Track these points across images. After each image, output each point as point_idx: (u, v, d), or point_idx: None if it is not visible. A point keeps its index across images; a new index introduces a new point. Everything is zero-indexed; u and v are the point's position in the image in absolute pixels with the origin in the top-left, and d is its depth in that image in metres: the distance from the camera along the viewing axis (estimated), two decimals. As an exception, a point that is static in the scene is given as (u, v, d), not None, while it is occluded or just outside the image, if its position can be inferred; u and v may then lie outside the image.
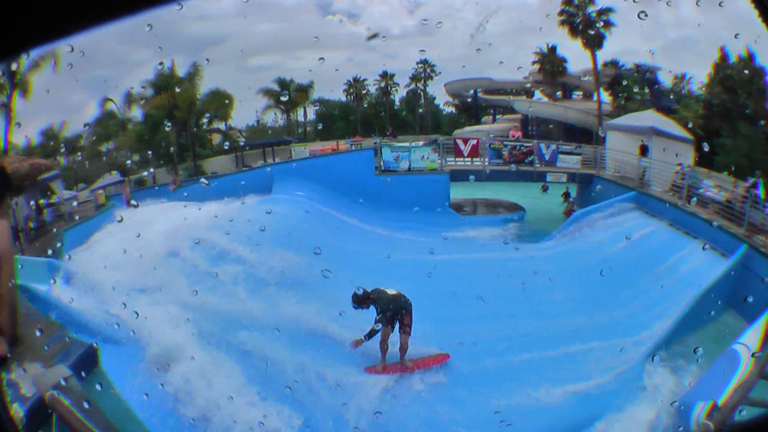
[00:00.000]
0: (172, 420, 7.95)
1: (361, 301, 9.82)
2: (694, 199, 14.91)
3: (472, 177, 20.79)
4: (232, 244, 13.83)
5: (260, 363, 9.78)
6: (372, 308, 9.88)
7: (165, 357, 9.22)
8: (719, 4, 13.64)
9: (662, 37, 24.31)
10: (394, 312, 9.78)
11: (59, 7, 1.24)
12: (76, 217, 18.32)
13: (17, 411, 3.25)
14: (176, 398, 8.41)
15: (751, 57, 20.01)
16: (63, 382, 3.00)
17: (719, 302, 10.48)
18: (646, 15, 16.27)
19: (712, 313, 10.20)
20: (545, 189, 22.28)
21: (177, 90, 24.26)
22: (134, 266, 11.85)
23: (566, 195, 21.14)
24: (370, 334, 9.81)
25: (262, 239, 13.88)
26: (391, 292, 9.93)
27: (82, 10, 1.27)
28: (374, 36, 29.25)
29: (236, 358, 9.82)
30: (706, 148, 18.29)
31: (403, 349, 10.06)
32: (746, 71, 19.84)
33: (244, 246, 14.01)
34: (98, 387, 7.02)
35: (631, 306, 11.50)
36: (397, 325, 9.90)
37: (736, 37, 16.14)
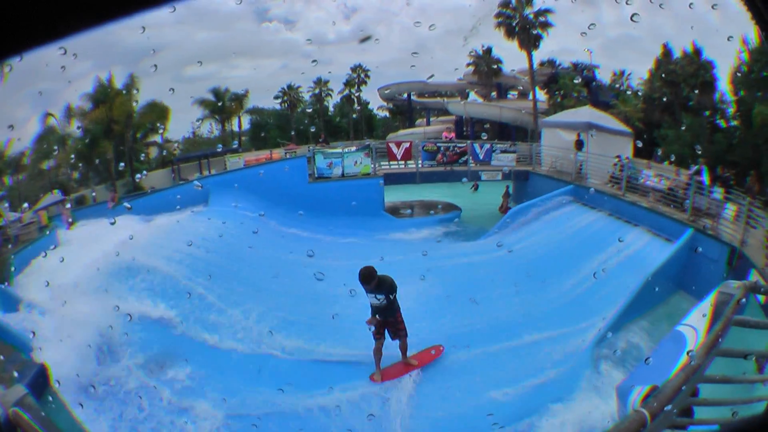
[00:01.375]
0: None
1: (367, 277, 8.42)
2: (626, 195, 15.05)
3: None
4: (153, 260, 13.24)
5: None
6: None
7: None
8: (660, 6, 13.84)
9: (602, 36, 25.13)
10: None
11: (52, 10, 1.21)
12: (22, 240, 17.46)
13: None
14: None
15: (697, 52, 21.04)
16: (21, 399, 3.20)
17: (668, 285, 10.45)
18: (638, 16, 16.77)
19: (659, 296, 10.07)
20: (476, 188, 22.29)
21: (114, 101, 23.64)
22: (71, 286, 11.36)
23: (507, 194, 20.96)
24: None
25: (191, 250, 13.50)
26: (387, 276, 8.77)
27: (75, 13, 1.24)
28: (367, 38, 29.50)
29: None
30: (639, 144, 19.06)
31: (404, 348, 9.24)
32: (691, 65, 20.75)
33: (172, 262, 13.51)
34: (51, 403, 7.48)
35: (573, 294, 11.23)
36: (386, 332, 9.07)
37: (729, 39, 16.88)
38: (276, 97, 31.08)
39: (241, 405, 8.43)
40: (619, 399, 6.08)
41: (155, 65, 25.80)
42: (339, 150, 22.00)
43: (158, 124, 26.16)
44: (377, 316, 8.75)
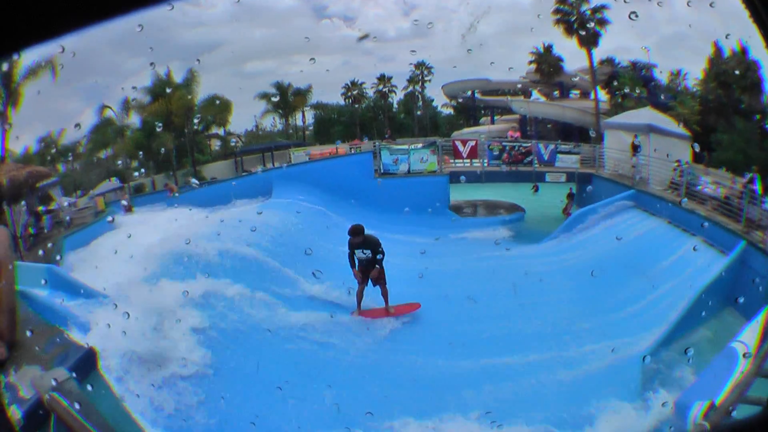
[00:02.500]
0: (169, 421, 8.07)
1: (356, 232, 11.37)
2: (685, 200, 14.91)
3: (463, 177, 20.79)
4: (226, 245, 13.91)
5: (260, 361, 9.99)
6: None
7: (158, 358, 9.35)
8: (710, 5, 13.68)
9: (657, 34, 24.26)
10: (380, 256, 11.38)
11: (50, 8, 1.25)
12: (75, 224, 18.41)
13: (15, 413, 3.31)
14: (171, 398, 8.54)
15: (744, 51, 20.06)
16: (62, 385, 3.03)
17: (718, 300, 10.47)
18: (636, 15, 16.30)
19: (708, 312, 10.19)
20: (536, 189, 22.18)
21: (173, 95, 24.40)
22: (129, 269, 11.91)
23: (571, 195, 20.79)
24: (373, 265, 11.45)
25: (258, 240, 14.40)
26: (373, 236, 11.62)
27: (73, 11, 1.28)
28: (365, 37, 29.35)
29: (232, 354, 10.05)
30: (697, 148, 18.37)
31: (385, 295, 11.73)
32: (740, 65, 19.83)
33: (240, 246, 14.19)
34: (94, 389, 7.09)
35: (628, 307, 11.51)
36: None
37: (726, 37, 16.30)
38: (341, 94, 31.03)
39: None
40: (677, 413, 6.31)
41: (198, 59, 26.12)
42: (405, 146, 22.19)
43: (219, 117, 26.66)
44: (364, 267, 11.42)
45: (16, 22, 1.25)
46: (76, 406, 2.93)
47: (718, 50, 21.04)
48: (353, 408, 8.58)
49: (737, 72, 20.02)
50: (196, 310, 10.98)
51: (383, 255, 11.32)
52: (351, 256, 11.46)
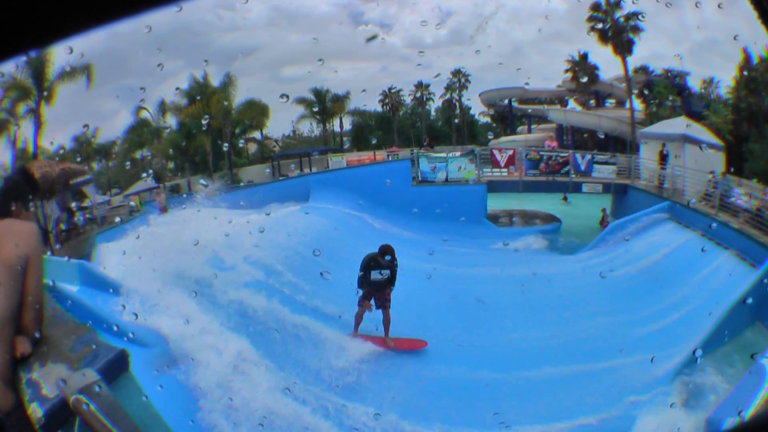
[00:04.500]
0: (201, 424, 7.97)
1: (388, 252, 10.53)
2: (693, 200, 15.25)
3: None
4: (258, 250, 14.02)
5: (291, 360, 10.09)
6: None
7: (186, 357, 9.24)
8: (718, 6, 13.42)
9: (688, 40, 24.62)
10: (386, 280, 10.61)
11: (58, 8, 1.26)
12: (109, 221, 18.63)
13: (35, 410, 3.26)
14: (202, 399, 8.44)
15: None
16: (89, 387, 2.92)
17: (747, 315, 10.54)
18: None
19: (737, 327, 10.20)
20: (566, 199, 22.53)
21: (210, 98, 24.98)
22: (161, 269, 11.81)
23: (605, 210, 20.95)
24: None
25: (295, 245, 14.61)
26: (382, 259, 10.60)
27: (81, 12, 1.29)
28: (373, 37, 30.39)
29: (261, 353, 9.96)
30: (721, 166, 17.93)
31: (387, 323, 10.83)
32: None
33: (274, 251, 14.35)
34: (124, 391, 6.50)
35: (661, 321, 11.62)
36: (372, 301, 10.76)
37: (735, 39, 15.90)
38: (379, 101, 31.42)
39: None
40: (708, 429, 6.40)
41: (206, 60, 26.96)
42: (443, 155, 22.34)
43: (256, 122, 27.27)
44: (375, 289, 10.60)
45: (22, 23, 1.27)
46: (105, 409, 2.83)
47: (747, 57, 20.83)
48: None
49: (766, 78, 19.93)
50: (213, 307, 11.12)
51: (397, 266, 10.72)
52: (364, 276, 10.61)
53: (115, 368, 6.82)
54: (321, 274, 11.83)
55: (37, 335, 2.98)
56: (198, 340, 9.64)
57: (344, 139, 31.49)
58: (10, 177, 3.22)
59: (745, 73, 20.80)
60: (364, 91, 31.41)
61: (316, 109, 29.86)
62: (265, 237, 14.09)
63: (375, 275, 10.55)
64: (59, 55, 21.21)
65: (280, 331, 10.92)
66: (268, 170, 26.68)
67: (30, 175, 3.33)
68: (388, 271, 10.56)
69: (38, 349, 3.08)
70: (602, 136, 25.81)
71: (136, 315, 9.50)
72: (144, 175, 24.53)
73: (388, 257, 10.44)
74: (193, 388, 8.58)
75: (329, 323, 11.62)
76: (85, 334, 6.97)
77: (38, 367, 3.35)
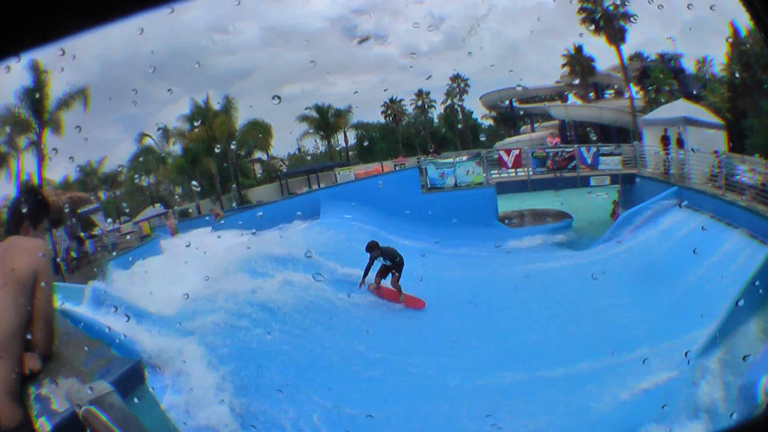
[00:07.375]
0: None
1: (372, 247, 13.41)
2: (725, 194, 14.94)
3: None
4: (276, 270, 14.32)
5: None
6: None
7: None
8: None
9: (679, 21, 23.84)
10: (397, 264, 13.45)
11: (50, 11, 1.25)
12: (120, 248, 18.86)
13: (43, 425, 3.28)
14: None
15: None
16: (102, 398, 2.71)
17: (762, 293, 10.18)
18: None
19: (755, 305, 10.09)
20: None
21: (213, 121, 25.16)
22: (175, 292, 11.79)
23: (615, 202, 20.92)
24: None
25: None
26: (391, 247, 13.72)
27: (73, 14, 1.29)
28: (365, 39, 30.43)
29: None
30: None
31: (397, 288, 13.61)
32: (757, 43, 19.19)
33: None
34: (140, 402, 7.04)
35: (679, 306, 11.55)
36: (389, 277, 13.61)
37: (712, 8, 15.32)
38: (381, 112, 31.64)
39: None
40: (743, 391, 5.97)
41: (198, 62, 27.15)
42: (450, 160, 22.33)
43: (261, 142, 27.46)
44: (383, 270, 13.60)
45: (16, 24, 1.26)
46: (117, 420, 2.64)
47: (735, 30, 20.67)
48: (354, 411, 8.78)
49: (756, 50, 19.57)
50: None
51: (402, 263, 13.47)
52: (369, 266, 13.47)
53: (131, 380, 7.40)
54: (313, 277, 13.57)
55: (47, 351, 2.91)
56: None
57: (350, 153, 31.62)
58: (20, 197, 3.14)
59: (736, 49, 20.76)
60: (356, 92, 32.11)
61: (322, 122, 30.09)
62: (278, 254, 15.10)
63: (381, 262, 13.56)
64: (57, 86, 21.77)
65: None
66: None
67: (39, 194, 3.21)
68: (388, 261, 13.49)
69: (49, 365, 3.02)
70: (592, 133, 25.98)
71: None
72: (155, 206, 24.76)
73: (375, 251, 13.40)
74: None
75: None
76: (99, 349, 7.48)
77: (48, 383, 3.36)
